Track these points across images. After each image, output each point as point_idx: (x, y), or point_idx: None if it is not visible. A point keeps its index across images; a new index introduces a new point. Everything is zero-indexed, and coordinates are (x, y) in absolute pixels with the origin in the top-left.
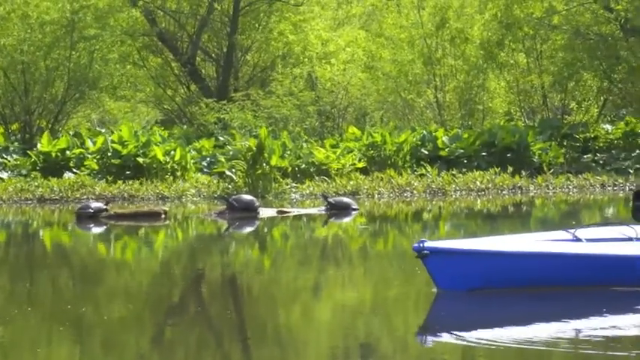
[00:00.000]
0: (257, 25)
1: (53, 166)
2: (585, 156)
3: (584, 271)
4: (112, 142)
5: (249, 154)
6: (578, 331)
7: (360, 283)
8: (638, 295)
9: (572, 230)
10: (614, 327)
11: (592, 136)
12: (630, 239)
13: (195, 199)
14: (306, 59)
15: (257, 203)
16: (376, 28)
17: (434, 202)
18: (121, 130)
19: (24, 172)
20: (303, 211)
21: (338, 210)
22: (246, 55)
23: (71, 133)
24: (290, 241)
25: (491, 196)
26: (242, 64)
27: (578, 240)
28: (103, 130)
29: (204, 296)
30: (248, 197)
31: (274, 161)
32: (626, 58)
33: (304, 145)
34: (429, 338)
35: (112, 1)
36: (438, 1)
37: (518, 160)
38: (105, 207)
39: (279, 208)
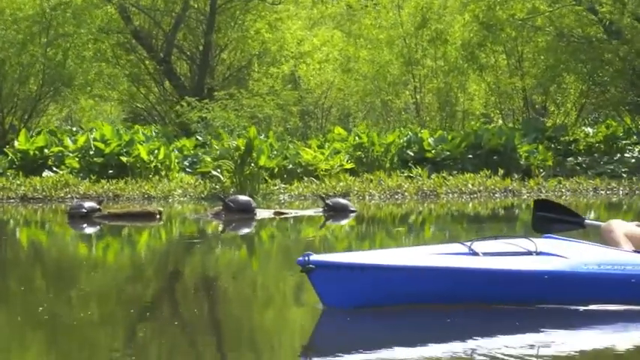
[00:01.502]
0: (233, 24)
1: (31, 165)
2: (568, 159)
3: (479, 288)
4: (95, 140)
5: (237, 153)
6: (473, 350)
7: (281, 295)
8: (525, 312)
9: (469, 243)
10: (507, 346)
11: (571, 139)
12: (530, 253)
13: (182, 199)
14: (283, 58)
15: (254, 204)
16: (354, 29)
17: (425, 205)
18: (100, 129)
19: None
20: (300, 212)
21: (336, 212)
22: (222, 53)
23: (45, 131)
24: (284, 244)
25: (483, 199)
26: (218, 63)
27: (475, 254)
28: (74, 129)
29: (202, 298)
30: (245, 198)
31: (262, 161)
32: (610, 61)
33: (290, 145)
34: None
35: None
36: (419, 1)
37: (505, 163)
38: (98, 207)
39: (276, 210)
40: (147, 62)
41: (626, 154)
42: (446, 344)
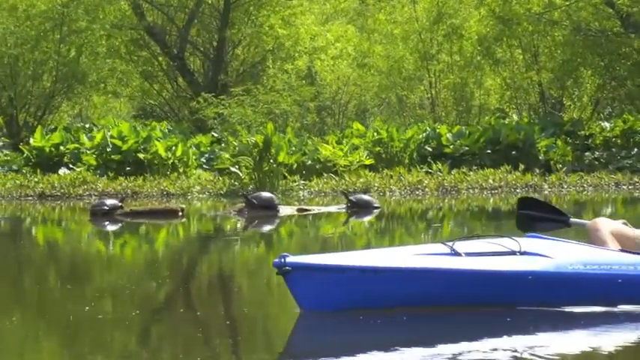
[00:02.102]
0: (247, 20)
1: (47, 162)
2: (586, 153)
3: (460, 289)
4: (111, 137)
5: (256, 150)
6: (456, 353)
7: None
8: (509, 314)
9: (451, 243)
10: (491, 349)
11: (587, 133)
12: (513, 253)
13: (200, 195)
14: (297, 54)
15: (277, 201)
16: (369, 24)
17: (446, 201)
18: (116, 125)
19: (15, 167)
20: (323, 209)
21: (359, 208)
22: (236, 49)
23: (60, 128)
24: (304, 241)
25: (504, 194)
26: (231, 59)
27: (457, 254)
28: (87, 126)
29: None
30: (268, 195)
31: (281, 157)
32: (627, 54)
33: (309, 141)
34: None
35: None
36: None
37: (523, 158)
38: (120, 204)
39: (299, 206)
40: (160, 58)
41: None
42: (428, 348)
